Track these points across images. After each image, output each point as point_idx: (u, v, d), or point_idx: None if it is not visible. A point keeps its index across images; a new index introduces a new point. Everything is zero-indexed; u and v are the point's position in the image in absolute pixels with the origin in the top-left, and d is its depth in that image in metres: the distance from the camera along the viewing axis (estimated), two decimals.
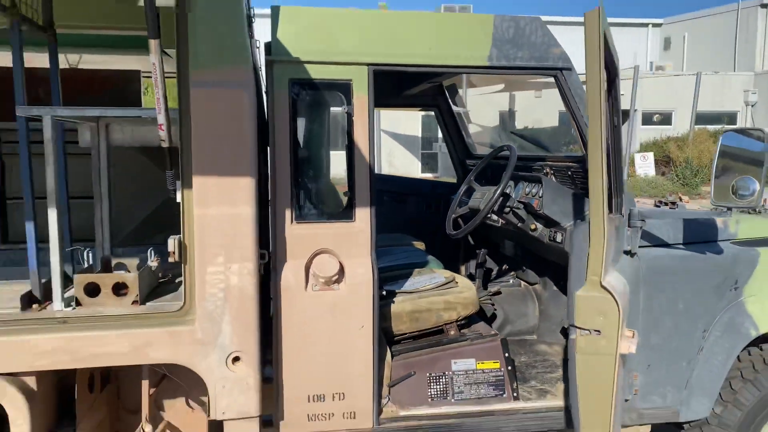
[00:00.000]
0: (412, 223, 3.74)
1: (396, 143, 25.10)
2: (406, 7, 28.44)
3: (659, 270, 2.33)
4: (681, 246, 2.42)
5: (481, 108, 25.21)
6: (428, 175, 23.32)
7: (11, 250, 3.15)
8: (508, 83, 21.94)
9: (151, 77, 2.07)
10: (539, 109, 25.98)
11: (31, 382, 1.89)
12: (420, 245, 3.25)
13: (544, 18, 2.39)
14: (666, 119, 26.73)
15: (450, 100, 3.80)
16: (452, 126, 3.84)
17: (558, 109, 26.08)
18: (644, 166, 21.94)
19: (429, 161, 25.02)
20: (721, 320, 2.38)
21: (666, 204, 3.03)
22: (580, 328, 1.93)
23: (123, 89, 3.71)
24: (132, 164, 2.84)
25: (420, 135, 24.91)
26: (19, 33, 2.07)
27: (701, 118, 24.07)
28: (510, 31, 2.28)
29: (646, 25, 31.30)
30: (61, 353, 1.83)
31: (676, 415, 2.40)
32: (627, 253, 2.29)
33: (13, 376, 1.85)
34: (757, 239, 2.54)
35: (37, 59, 2.96)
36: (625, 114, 24.51)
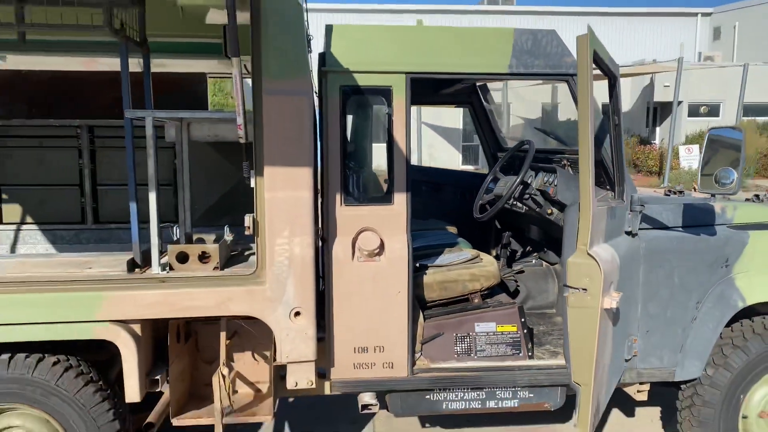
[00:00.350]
0: (447, 210, 4.14)
1: (437, 135, 25.36)
2: None
3: (657, 249, 2.70)
4: (679, 228, 2.77)
5: (524, 101, 25.32)
6: (469, 167, 23.54)
7: (101, 230, 3.71)
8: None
9: (215, 78, 2.53)
10: None
11: (137, 328, 2.39)
12: (452, 229, 3.65)
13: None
14: (713, 111, 26.24)
15: (482, 98, 4.18)
16: (484, 121, 4.21)
17: (601, 102, 25.96)
18: (689, 158, 21.66)
19: (469, 153, 25.21)
20: (713, 293, 2.73)
21: (674, 193, 3.34)
22: (571, 287, 2.34)
23: (191, 89, 4.21)
24: (203, 157, 3.34)
25: (461, 127, 25.12)
26: (126, 51, 2.56)
27: (750, 110, 23.61)
28: (528, 42, 2.67)
29: (695, 14, 30.67)
30: (161, 306, 2.33)
31: (672, 375, 2.76)
32: (629, 233, 2.67)
33: (124, 323, 2.35)
34: (751, 224, 2.87)
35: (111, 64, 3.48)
36: (669, 106, 24.24)
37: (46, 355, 2.44)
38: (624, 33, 29.75)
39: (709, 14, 31.67)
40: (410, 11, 29.42)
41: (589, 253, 2.25)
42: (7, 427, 2.47)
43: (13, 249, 3.65)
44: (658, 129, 27.54)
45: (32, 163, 3.66)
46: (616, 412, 3.75)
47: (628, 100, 26.19)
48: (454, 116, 25.03)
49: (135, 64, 4.27)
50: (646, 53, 29.04)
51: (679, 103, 25.61)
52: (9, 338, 2.31)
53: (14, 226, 3.69)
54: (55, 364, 2.42)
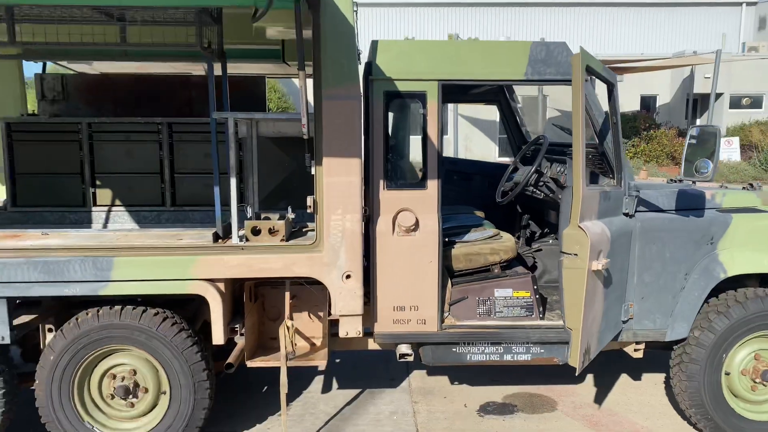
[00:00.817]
0: (476, 196, 4.66)
1: (474, 128, 25.67)
2: None
3: (651, 228, 3.18)
4: (672, 211, 3.25)
5: (563, 93, 25.34)
6: (505, 159, 23.82)
7: (178, 211, 4.35)
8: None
9: (271, 78, 3.10)
10: (620, 93, 25.80)
11: (221, 286, 2.99)
12: (480, 214, 4.16)
13: None
14: (756, 102, 25.91)
15: (508, 97, 4.67)
16: (511, 118, 4.71)
17: (639, 94, 25.86)
18: (729, 150, 21.54)
19: (506, 146, 25.42)
20: (699, 266, 3.20)
21: (675, 181, 3.79)
22: (565, 253, 2.85)
23: (251, 90, 4.81)
24: (265, 150, 3.93)
25: (498, 120, 25.36)
26: (212, 64, 3.16)
27: None
28: (542, 53, 3.17)
29: (739, 3, 30.17)
30: (242, 267, 2.93)
31: (663, 335, 3.25)
32: (626, 214, 3.16)
33: (212, 282, 2.96)
34: (736, 208, 3.32)
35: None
36: (709, 98, 24.06)
37: (148, 307, 3.07)
38: (666, 23, 29.48)
39: (754, 3, 31.08)
40: (462, 4, 29.57)
41: (579, 226, 2.75)
42: (118, 364, 3.11)
43: (105, 227, 4.32)
44: (698, 121, 27.31)
45: (120, 154, 4.32)
46: (624, 377, 4.24)
47: (668, 92, 26.07)
48: (491, 109, 25.25)
49: (199, 68, 4.89)
50: (689, 44, 28.73)
51: (721, 94, 25.41)
52: (122, 292, 2.94)
53: (105, 208, 4.36)
54: (155, 314, 3.05)
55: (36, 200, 4.33)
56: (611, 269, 2.94)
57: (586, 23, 29.40)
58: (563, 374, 4.21)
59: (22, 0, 2.76)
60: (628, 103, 25.93)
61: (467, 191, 4.80)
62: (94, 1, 2.66)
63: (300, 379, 4.15)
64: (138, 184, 4.35)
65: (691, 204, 3.28)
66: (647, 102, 26.17)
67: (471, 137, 25.63)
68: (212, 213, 3.38)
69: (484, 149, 25.41)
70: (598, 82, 3.33)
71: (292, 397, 3.88)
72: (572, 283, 2.84)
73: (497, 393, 3.99)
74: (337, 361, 4.53)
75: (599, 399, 3.91)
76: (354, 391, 4.00)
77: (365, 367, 4.41)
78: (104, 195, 4.36)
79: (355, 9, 3.01)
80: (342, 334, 3.07)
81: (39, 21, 3.20)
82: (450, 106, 21.77)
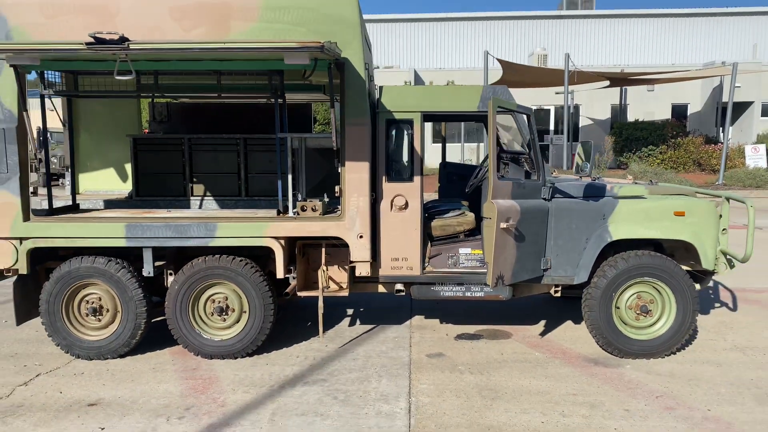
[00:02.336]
0: (464, 191, 6.32)
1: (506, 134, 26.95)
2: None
3: (561, 209, 4.80)
4: (579, 197, 4.86)
5: (594, 102, 26.63)
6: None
7: (249, 200, 6.15)
8: (614, 80, 23.26)
9: (315, 102, 4.86)
10: (652, 102, 26.86)
11: (282, 242, 4.76)
12: (465, 203, 5.82)
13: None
14: None
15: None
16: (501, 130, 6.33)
17: (671, 102, 26.79)
18: (755, 157, 22.37)
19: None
20: (595, 234, 4.80)
21: (597, 179, 5.37)
22: (484, 217, 4.51)
23: (301, 114, 6.60)
24: (310, 157, 5.68)
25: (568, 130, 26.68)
26: (277, 101, 4.96)
27: None
28: (489, 93, 4.83)
29: None
30: (296, 230, 4.69)
31: (572, 280, 4.85)
32: (544, 199, 4.79)
33: (276, 239, 4.73)
34: (624, 196, 4.91)
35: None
36: (740, 106, 24.87)
37: (236, 257, 4.85)
38: (699, 33, 30.22)
39: None
40: (497, 18, 31.04)
41: (491, 202, 4.40)
42: (216, 293, 4.89)
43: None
44: (730, 129, 28.00)
45: (210, 160, 6.16)
46: (568, 323, 5.82)
47: (698, 101, 26.93)
48: (506, 120, 26.65)
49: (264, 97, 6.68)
50: (721, 53, 29.47)
51: (751, 103, 26.16)
52: (215, 244, 4.72)
53: (199, 198, 6.21)
54: (241, 261, 4.83)
55: (152, 192, 6.22)
56: (525, 231, 4.57)
57: (618, 34, 30.41)
58: (523, 319, 5.84)
59: (167, 66, 4.62)
60: (660, 111, 26.93)
61: (460, 187, 6.46)
62: (210, 66, 4.50)
63: (334, 319, 5.90)
64: (222, 180, 6.19)
65: (593, 193, 4.89)
66: (679, 110, 27.05)
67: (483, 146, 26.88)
68: (273, 202, 5.17)
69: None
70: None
71: (327, 327, 5.62)
72: (488, 235, 4.49)
73: (471, 328, 5.65)
74: (361, 309, 6.27)
75: (543, 333, 5.52)
76: (371, 326, 5.73)
77: (381, 314, 6.12)
78: (198, 188, 6.22)
79: (366, 68, 4.75)
80: (357, 273, 4.80)
81: (165, 73, 5.10)
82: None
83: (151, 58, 4.65)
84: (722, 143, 24.65)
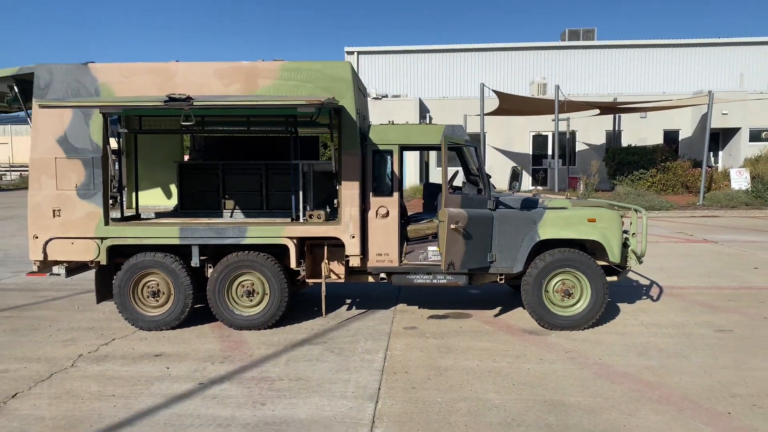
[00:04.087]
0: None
1: (508, 160, 28.63)
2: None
3: (503, 216, 6.40)
4: (517, 208, 6.46)
5: (590, 128, 28.22)
6: (538, 188, 26.70)
7: (269, 213, 7.81)
8: (604, 109, 24.95)
9: (322, 135, 6.58)
10: (644, 128, 28.44)
11: (294, 241, 6.39)
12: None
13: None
14: None
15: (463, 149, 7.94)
16: (462, 159, 7.98)
17: (663, 128, 28.32)
18: (739, 180, 23.75)
19: (539, 176, 28.28)
20: (527, 235, 6.39)
21: (535, 194, 6.97)
22: (439, 220, 6.11)
23: (311, 144, 8.29)
24: (317, 178, 7.34)
25: (531, 153, 28.35)
26: (292, 138, 6.64)
27: None
28: (450, 130, 6.47)
29: (761, 43, 32.18)
30: (304, 232, 6.33)
31: (511, 270, 6.43)
32: (490, 209, 6.40)
33: (290, 238, 6.37)
34: (551, 206, 6.51)
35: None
36: (728, 132, 26.36)
37: (258, 252, 6.49)
38: (688, 63, 31.85)
39: None
40: (490, 49, 32.92)
41: (444, 209, 6.01)
42: (245, 279, 6.51)
43: None
44: (720, 153, 29.48)
45: (239, 181, 7.85)
46: (520, 309, 7.38)
47: (688, 127, 28.45)
48: (524, 143, 28.36)
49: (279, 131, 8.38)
50: (709, 82, 31.04)
51: (738, 129, 27.67)
52: (245, 242, 6.36)
53: (230, 211, 7.88)
54: (264, 255, 6.46)
55: (193, 206, 7.90)
56: (472, 232, 6.16)
57: (614, 64, 32.09)
58: (484, 305, 7.42)
59: (213, 112, 6.34)
60: (652, 137, 28.47)
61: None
62: (244, 112, 6.21)
63: (335, 306, 7.51)
64: (248, 198, 7.87)
65: (528, 205, 6.50)
66: (671, 136, 28.56)
67: (507, 167, 28.52)
68: (288, 213, 6.86)
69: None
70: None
71: (329, 311, 7.23)
72: (441, 234, 6.09)
73: (441, 312, 7.23)
74: (357, 300, 7.87)
75: (497, 315, 7.08)
76: (364, 310, 7.33)
77: (373, 302, 7.72)
78: (230, 204, 7.90)
79: (359, 112, 6.43)
80: (351, 264, 6.42)
81: (211, 115, 6.82)
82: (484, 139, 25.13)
83: (206, 111, 6.37)
84: (709, 167, 26.16)
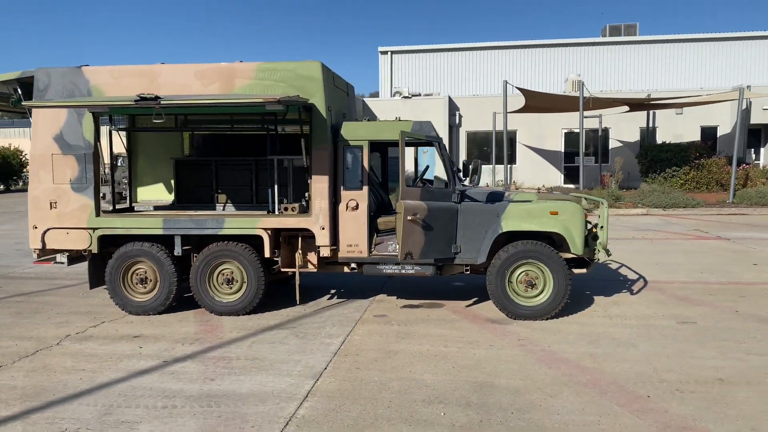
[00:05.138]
0: None
1: (540, 157, 28.47)
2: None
3: (467, 209, 6.61)
4: (483, 201, 6.67)
5: (623, 125, 27.86)
6: (570, 186, 26.47)
7: (258, 206, 8.21)
8: (633, 105, 24.60)
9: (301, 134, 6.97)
10: (680, 125, 27.86)
11: (269, 232, 6.76)
12: None
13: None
14: None
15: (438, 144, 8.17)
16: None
17: (700, 125, 27.68)
18: None
19: (570, 173, 27.97)
20: (491, 227, 6.59)
21: (508, 187, 7.07)
22: (396, 212, 6.35)
23: (296, 141, 8.63)
24: (294, 172, 7.68)
25: (563, 150, 28.11)
26: (270, 137, 7.02)
27: None
28: (417, 127, 6.73)
29: None
30: (277, 223, 6.70)
31: (475, 260, 6.64)
32: (455, 202, 6.62)
33: (265, 230, 6.74)
34: (515, 200, 6.68)
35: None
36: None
37: (236, 242, 6.89)
38: (726, 57, 31.00)
39: None
40: (546, 45, 32.78)
41: (401, 201, 6.25)
42: (225, 268, 6.92)
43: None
44: (762, 150, 28.64)
45: (230, 176, 8.28)
46: (489, 302, 7.57)
47: (727, 123, 27.72)
48: (556, 140, 28.15)
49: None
50: (749, 77, 30.17)
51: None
52: (223, 233, 6.77)
53: (222, 204, 8.32)
54: (242, 245, 6.86)
55: (188, 200, 8.37)
56: (432, 224, 6.40)
57: (650, 59, 31.51)
58: (459, 297, 7.64)
59: (195, 111, 6.77)
60: (689, 133, 27.83)
61: None
62: (220, 110, 6.61)
63: (318, 295, 7.86)
64: (239, 192, 8.29)
65: (493, 198, 6.69)
66: (708, 132, 27.86)
67: (539, 164, 28.40)
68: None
69: (550, 176, 28.10)
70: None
71: (310, 300, 7.58)
72: (398, 224, 6.33)
73: (417, 302, 7.49)
74: (342, 290, 8.20)
75: (469, 306, 7.29)
76: (343, 300, 7.65)
77: (354, 293, 8.03)
78: (222, 198, 8.34)
79: (329, 109, 6.75)
80: (321, 254, 6.75)
81: (195, 114, 7.25)
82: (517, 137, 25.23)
83: (176, 110, 6.81)
84: (747, 164, 25.43)
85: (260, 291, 6.87)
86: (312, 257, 7.01)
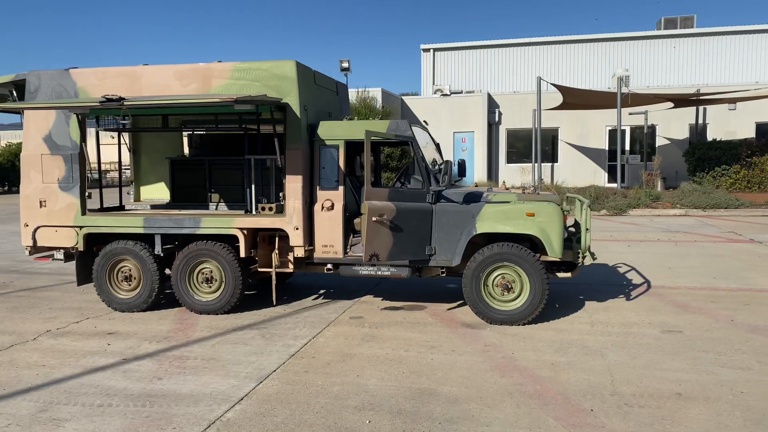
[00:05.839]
0: None
1: (583, 156, 27.70)
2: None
3: (442, 210, 6.43)
4: (458, 202, 6.48)
5: (671, 122, 26.80)
6: (613, 185, 25.61)
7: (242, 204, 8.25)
8: (678, 101, 23.62)
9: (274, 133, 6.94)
10: (733, 121, 26.55)
11: (245, 231, 6.77)
12: None
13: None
14: None
15: (412, 144, 7.99)
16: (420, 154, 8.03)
17: (755, 121, 26.30)
18: None
19: (614, 172, 27.04)
20: (465, 228, 6.39)
21: (488, 187, 6.83)
22: (361, 213, 6.22)
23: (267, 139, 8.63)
24: (271, 171, 7.67)
25: (606, 148, 27.23)
26: (247, 137, 7.03)
27: None
28: (393, 126, 6.61)
29: None
30: (252, 223, 6.70)
31: (451, 263, 6.46)
32: (429, 203, 6.46)
33: (240, 229, 6.76)
34: (492, 201, 6.46)
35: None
36: None
37: (210, 242, 6.92)
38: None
39: None
40: (592, 40, 31.97)
41: (365, 202, 6.12)
42: (204, 267, 6.97)
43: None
44: None
45: (223, 176, 8.34)
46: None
47: None
48: (599, 138, 27.31)
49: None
50: None
51: None
52: (200, 232, 6.82)
53: (215, 203, 8.40)
54: (220, 245, 6.89)
55: (183, 199, 8.48)
56: (402, 225, 6.25)
57: (700, 53, 30.20)
58: (445, 300, 7.47)
59: (172, 111, 6.85)
60: (743, 130, 26.51)
61: None
62: (196, 111, 6.67)
63: (304, 295, 7.83)
64: (232, 191, 8.35)
65: (470, 199, 6.49)
66: (764, 129, 26.44)
67: (581, 163, 27.63)
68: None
69: (594, 175, 27.30)
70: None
71: (296, 299, 7.56)
72: (363, 225, 6.20)
73: (400, 304, 7.36)
74: (331, 291, 8.14)
75: (450, 309, 7.10)
76: (328, 300, 7.59)
77: (343, 294, 7.97)
78: (215, 197, 8.42)
79: (305, 109, 6.70)
80: (295, 255, 6.71)
81: (175, 114, 7.33)
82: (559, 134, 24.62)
83: (144, 110, 6.90)
84: None
85: (237, 290, 6.89)
86: (288, 257, 6.98)
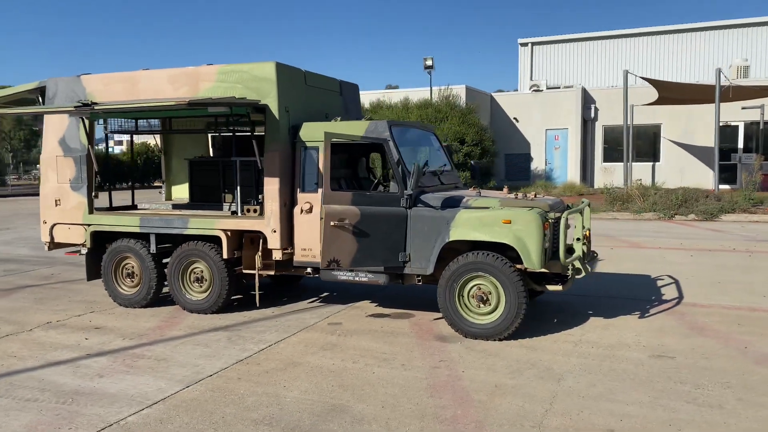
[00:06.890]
0: None
1: (690, 155, 25.64)
2: None
3: (417, 215, 6.10)
4: (436, 207, 6.11)
5: (672, 126, 24.11)
6: (725, 187, 23.41)
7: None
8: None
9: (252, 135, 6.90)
10: None
11: (228, 233, 6.80)
12: None
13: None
14: None
15: (386, 146, 7.63)
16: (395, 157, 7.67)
17: (684, 123, 23.00)
18: None
19: (726, 173, 24.70)
20: (440, 235, 6.01)
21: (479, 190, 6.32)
22: (322, 218, 5.98)
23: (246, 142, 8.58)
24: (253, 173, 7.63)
25: (716, 146, 24.93)
26: (235, 141, 7.07)
27: None
28: (372, 126, 6.36)
29: None
30: (233, 224, 6.73)
31: (426, 270, 6.11)
32: (404, 207, 6.15)
33: (223, 230, 6.80)
34: (471, 206, 6.03)
35: None
36: None
37: (200, 242, 7.01)
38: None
39: None
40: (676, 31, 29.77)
41: (323, 206, 5.89)
42: (195, 267, 7.09)
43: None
44: None
45: (235, 176, 8.46)
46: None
47: None
48: (707, 135, 25.10)
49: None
50: None
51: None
52: (187, 232, 6.93)
53: (229, 203, 8.53)
54: (207, 245, 6.98)
55: (201, 199, 8.69)
56: (368, 230, 5.97)
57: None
58: (430, 307, 7.13)
59: (167, 114, 7.03)
60: None
61: None
62: (182, 113, 6.80)
63: (303, 298, 7.77)
64: (243, 191, 8.44)
65: (448, 204, 6.11)
66: None
67: (687, 162, 25.63)
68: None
69: (701, 176, 25.19)
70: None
71: (293, 302, 7.51)
72: (321, 230, 5.97)
73: (389, 311, 7.09)
74: (335, 293, 8.02)
75: (438, 318, 6.74)
76: (322, 304, 7.48)
77: (341, 299, 7.82)
78: (228, 197, 8.55)
79: (287, 110, 6.62)
80: (273, 258, 6.65)
81: (173, 117, 7.52)
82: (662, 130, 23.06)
83: (114, 114, 7.12)
84: None
85: (224, 291, 6.94)
86: (269, 260, 6.93)
